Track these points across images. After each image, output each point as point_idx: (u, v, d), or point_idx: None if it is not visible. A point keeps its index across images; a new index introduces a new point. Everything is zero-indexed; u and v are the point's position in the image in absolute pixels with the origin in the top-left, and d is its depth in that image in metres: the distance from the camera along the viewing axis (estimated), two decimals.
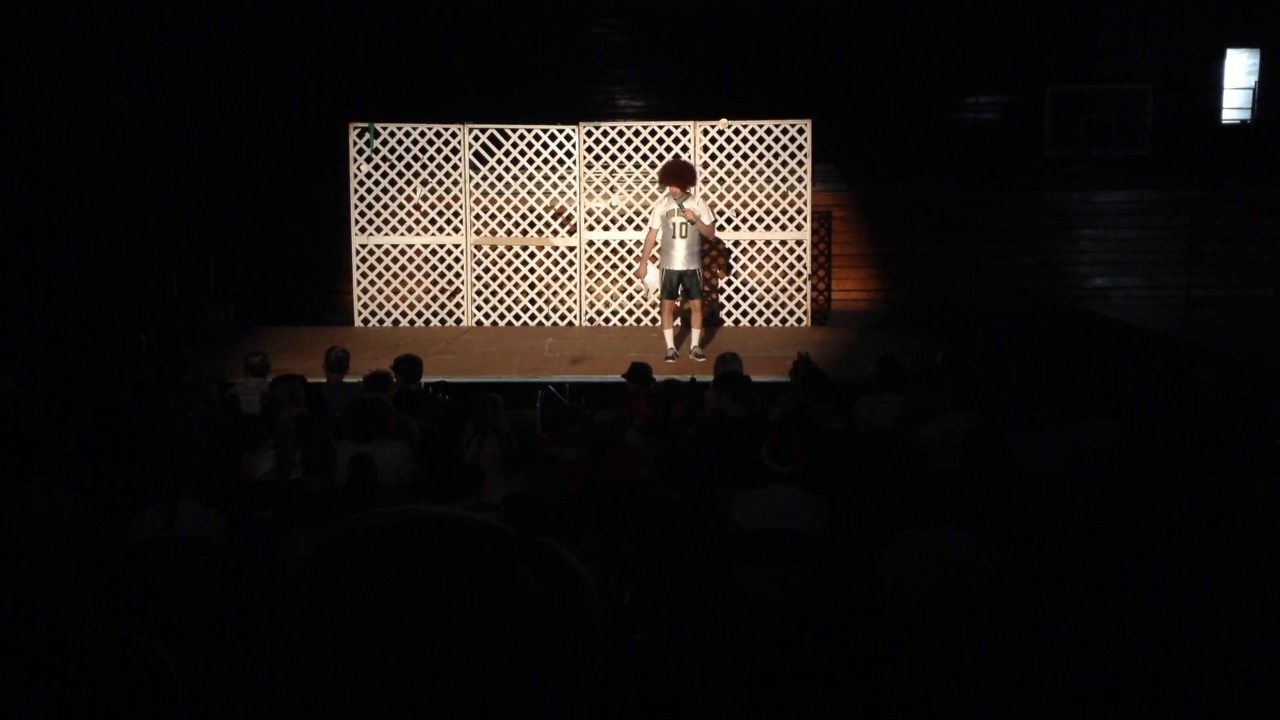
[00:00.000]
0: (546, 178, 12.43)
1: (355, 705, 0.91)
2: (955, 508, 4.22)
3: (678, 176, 10.18)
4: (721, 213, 12.33)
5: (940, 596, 3.95)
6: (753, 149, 12.15)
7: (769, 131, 12.17)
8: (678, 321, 10.82)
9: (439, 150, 12.29)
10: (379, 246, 12.39)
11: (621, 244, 12.43)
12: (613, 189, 12.65)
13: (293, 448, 6.13)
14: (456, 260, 12.40)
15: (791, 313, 12.26)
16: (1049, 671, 1.43)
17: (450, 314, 12.52)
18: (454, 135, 12.30)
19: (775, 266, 12.28)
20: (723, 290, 12.54)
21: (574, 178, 12.39)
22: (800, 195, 12.20)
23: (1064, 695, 1.44)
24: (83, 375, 7.49)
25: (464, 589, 0.95)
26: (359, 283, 12.39)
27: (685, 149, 12.26)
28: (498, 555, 0.98)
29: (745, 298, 12.45)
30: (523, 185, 12.42)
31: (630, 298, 12.57)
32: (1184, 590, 3.91)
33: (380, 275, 12.40)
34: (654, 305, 12.54)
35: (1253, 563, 4.06)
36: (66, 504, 5.00)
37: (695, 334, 10.42)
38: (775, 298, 12.30)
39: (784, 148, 12.13)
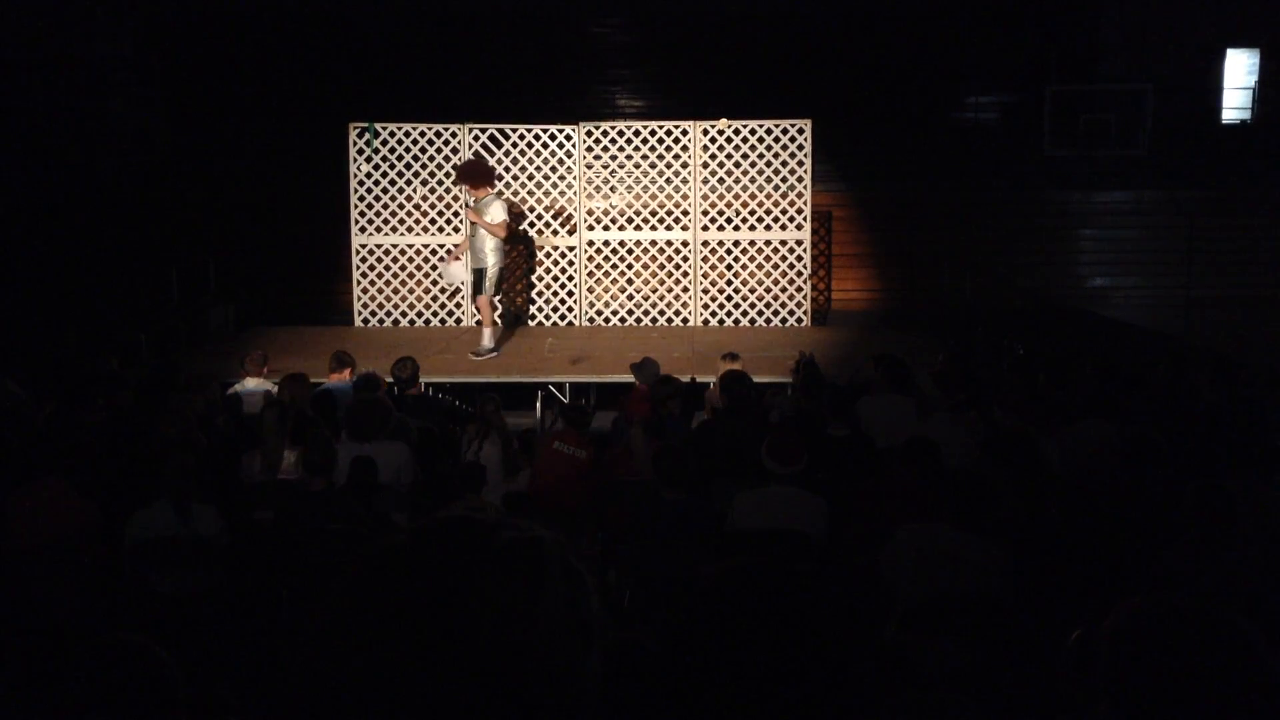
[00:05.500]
0: (546, 178, 12.43)
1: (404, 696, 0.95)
2: (962, 507, 4.21)
3: (465, 176, 10.61)
4: (721, 212, 12.32)
5: (940, 593, 3.95)
6: (753, 149, 12.15)
7: (769, 131, 12.17)
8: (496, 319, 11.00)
9: (439, 150, 12.29)
10: (379, 246, 12.39)
11: (621, 244, 12.44)
12: (613, 189, 12.65)
13: (277, 446, 6.13)
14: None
15: (791, 313, 12.27)
16: (1087, 666, 1.45)
17: (450, 314, 12.52)
18: (454, 135, 12.30)
19: (775, 266, 12.28)
20: (723, 290, 12.53)
21: (574, 178, 12.39)
22: (800, 195, 12.20)
23: (1101, 688, 1.46)
24: (95, 373, 7.49)
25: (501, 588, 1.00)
26: (359, 283, 12.40)
27: (685, 149, 12.26)
28: (530, 555, 1.04)
29: (745, 298, 12.45)
30: (523, 185, 12.42)
31: (630, 297, 12.58)
32: (1189, 589, 3.91)
33: (380, 275, 12.40)
34: (645, 298, 12.54)
35: (1252, 563, 4.06)
36: (73, 505, 5.00)
37: (484, 332, 10.50)
38: (775, 298, 12.30)
39: (784, 148, 12.13)
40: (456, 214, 12.38)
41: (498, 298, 10.85)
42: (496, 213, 10.20)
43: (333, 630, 1.00)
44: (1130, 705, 1.51)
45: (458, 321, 12.46)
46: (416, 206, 12.39)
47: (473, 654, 0.96)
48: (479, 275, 10.31)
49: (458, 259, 11.14)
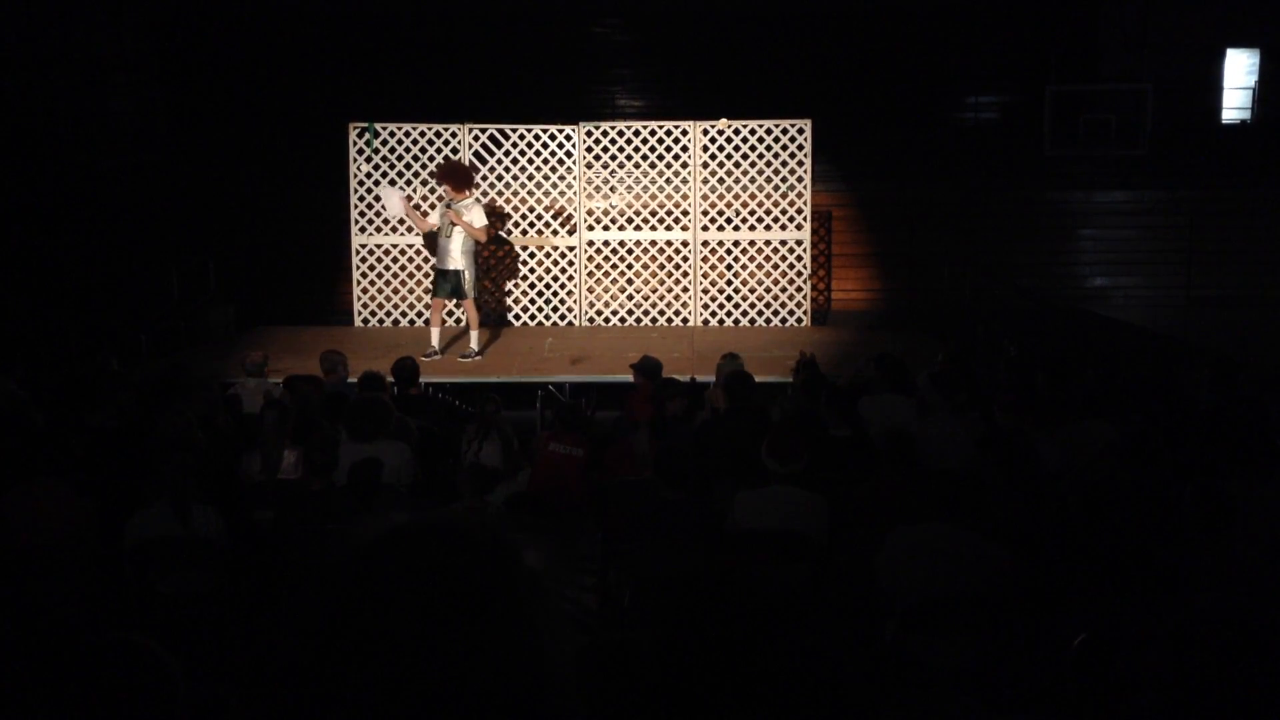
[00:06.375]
0: (546, 178, 12.43)
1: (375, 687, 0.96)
2: (961, 506, 4.21)
3: (448, 177, 10.50)
4: (721, 213, 12.32)
5: (940, 593, 3.95)
6: (752, 149, 12.15)
7: (769, 131, 12.17)
8: (449, 320, 10.96)
9: (439, 150, 12.29)
10: (379, 246, 12.39)
11: (621, 244, 12.44)
12: (613, 189, 12.65)
13: (277, 446, 6.13)
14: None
15: (791, 313, 12.27)
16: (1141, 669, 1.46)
17: (450, 314, 12.52)
18: (454, 135, 12.30)
19: (775, 266, 12.28)
20: (723, 290, 12.53)
21: (574, 178, 12.39)
22: (800, 195, 12.20)
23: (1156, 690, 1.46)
24: (98, 374, 7.48)
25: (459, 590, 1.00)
26: (359, 283, 12.40)
27: (685, 149, 12.26)
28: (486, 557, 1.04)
29: (745, 298, 12.45)
30: (523, 185, 12.42)
31: (630, 298, 12.58)
32: (1188, 590, 3.91)
33: (380, 275, 12.40)
34: (645, 298, 12.54)
35: (1252, 563, 4.06)
36: (72, 505, 4.99)
37: (472, 335, 10.52)
38: (775, 298, 12.30)
39: (784, 147, 12.13)
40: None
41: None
42: (478, 216, 10.25)
43: (303, 630, 1.01)
44: (1177, 706, 1.52)
45: (457, 321, 12.45)
46: (416, 207, 12.38)
47: (437, 654, 0.97)
48: (457, 279, 10.25)
49: (408, 198, 11.09)
